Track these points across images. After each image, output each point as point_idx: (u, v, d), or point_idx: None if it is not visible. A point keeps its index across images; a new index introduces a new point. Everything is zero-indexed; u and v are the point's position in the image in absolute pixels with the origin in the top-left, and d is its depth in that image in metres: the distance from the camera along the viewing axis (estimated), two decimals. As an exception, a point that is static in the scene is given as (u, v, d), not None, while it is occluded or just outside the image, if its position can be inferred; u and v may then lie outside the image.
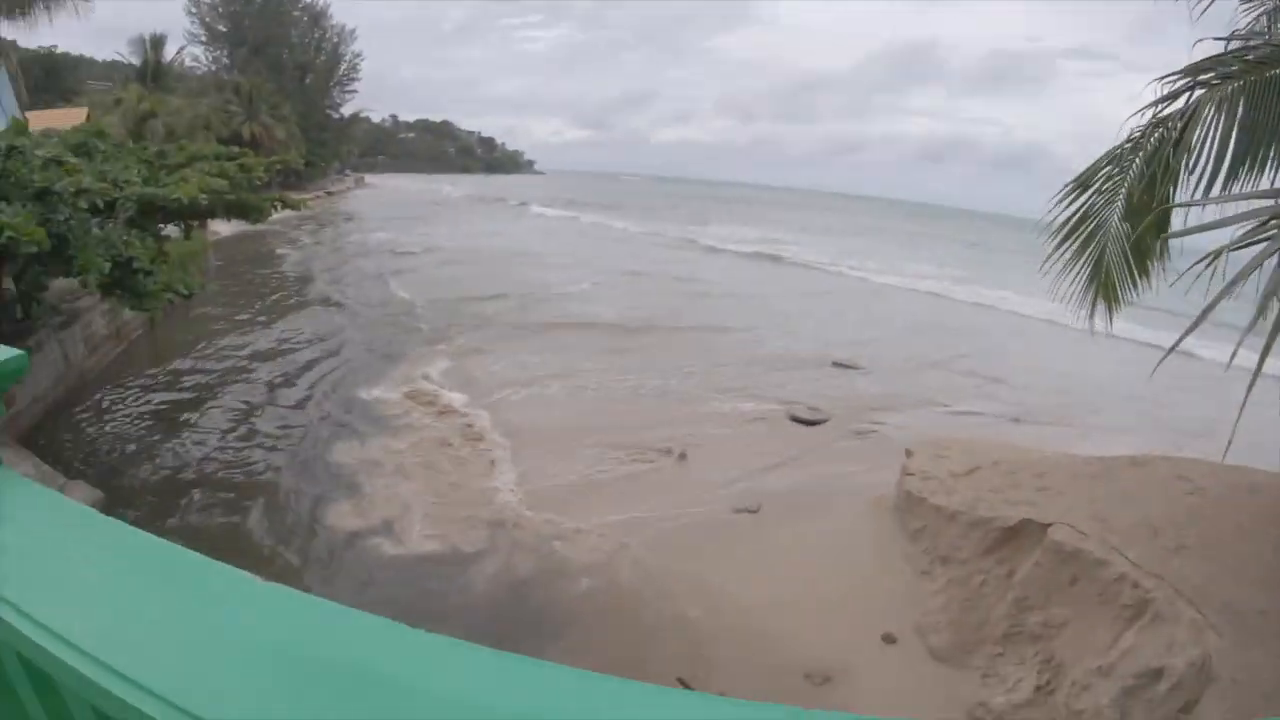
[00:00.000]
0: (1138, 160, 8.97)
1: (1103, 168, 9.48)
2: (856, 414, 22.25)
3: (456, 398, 22.49)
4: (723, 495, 16.81)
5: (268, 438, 18.78)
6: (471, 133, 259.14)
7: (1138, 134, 9.02)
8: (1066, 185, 9.82)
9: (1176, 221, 9.36)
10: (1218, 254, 6.70)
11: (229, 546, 13.61)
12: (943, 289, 49.89)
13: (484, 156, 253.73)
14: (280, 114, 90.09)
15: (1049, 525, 10.59)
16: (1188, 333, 6.74)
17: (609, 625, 12.68)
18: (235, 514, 15.04)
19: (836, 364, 27.84)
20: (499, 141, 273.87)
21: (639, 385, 24.47)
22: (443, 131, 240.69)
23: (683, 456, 18.77)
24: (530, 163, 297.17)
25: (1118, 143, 9.30)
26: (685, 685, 10.13)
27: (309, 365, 24.50)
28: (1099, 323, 11.29)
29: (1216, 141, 7.75)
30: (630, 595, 13.45)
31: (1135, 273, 10.10)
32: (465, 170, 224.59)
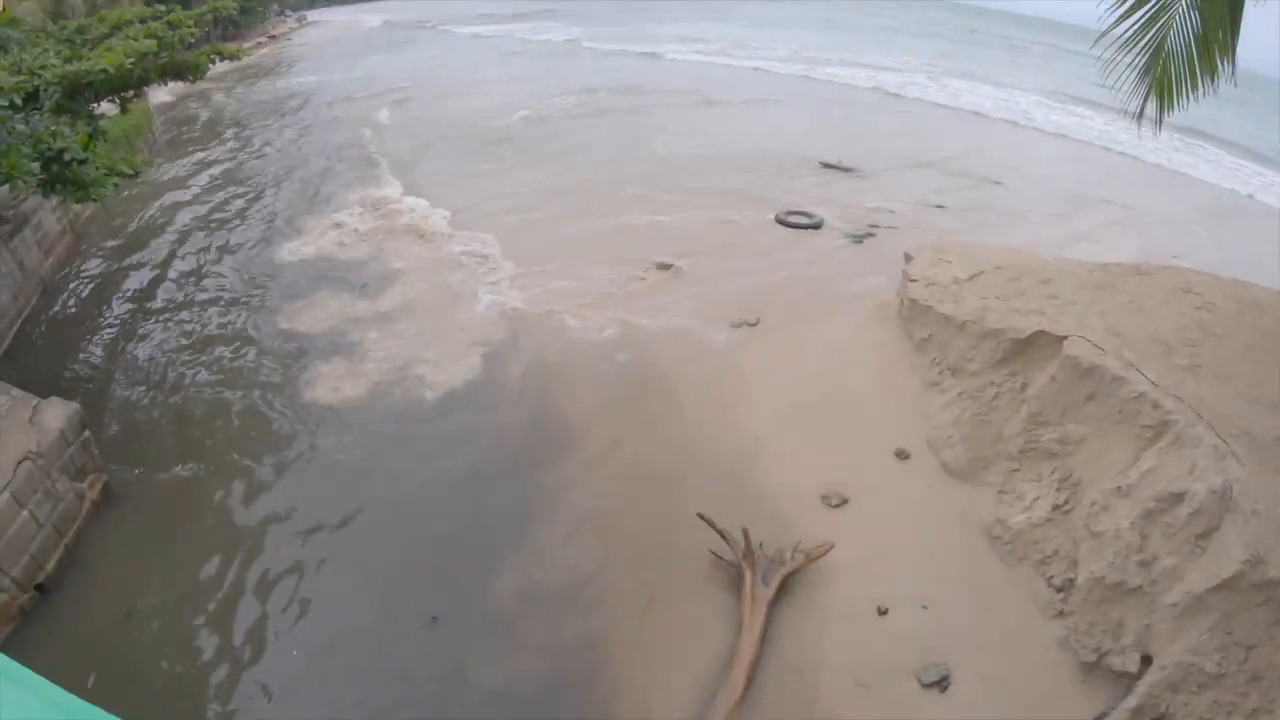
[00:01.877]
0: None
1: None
2: (849, 216, 21.93)
3: (436, 221, 22.27)
4: (719, 308, 16.72)
5: (233, 315, 17.75)
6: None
7: None
8: None
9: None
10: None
11: (224, 459, 12.93)
12: (903, 84, 49.47)
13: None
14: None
15: (1064, 338, 10.53)
16: None
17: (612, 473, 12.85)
18: (217, 417, 14.08)
19: (825, 164, 27.19)
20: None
21: (620, 198, 23.88)
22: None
23: (675, 269, 18.56)
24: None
25: None
26: (707, 521, 10.35)
27: (263, 219, 23.63)
28: (1146, 124, 10.49)
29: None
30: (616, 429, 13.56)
31: (1198, 70, 9.32)
32: None
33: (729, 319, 16.20)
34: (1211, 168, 37.48)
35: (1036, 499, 9.69)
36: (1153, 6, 9.17)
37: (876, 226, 21.23)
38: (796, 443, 12.25)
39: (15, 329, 17.25)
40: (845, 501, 10.94)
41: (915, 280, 14.19)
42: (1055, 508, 9.36)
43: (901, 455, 11.62)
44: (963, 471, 10.93)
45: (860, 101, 42.99)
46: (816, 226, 21.09)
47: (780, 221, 21.39)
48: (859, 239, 20.35)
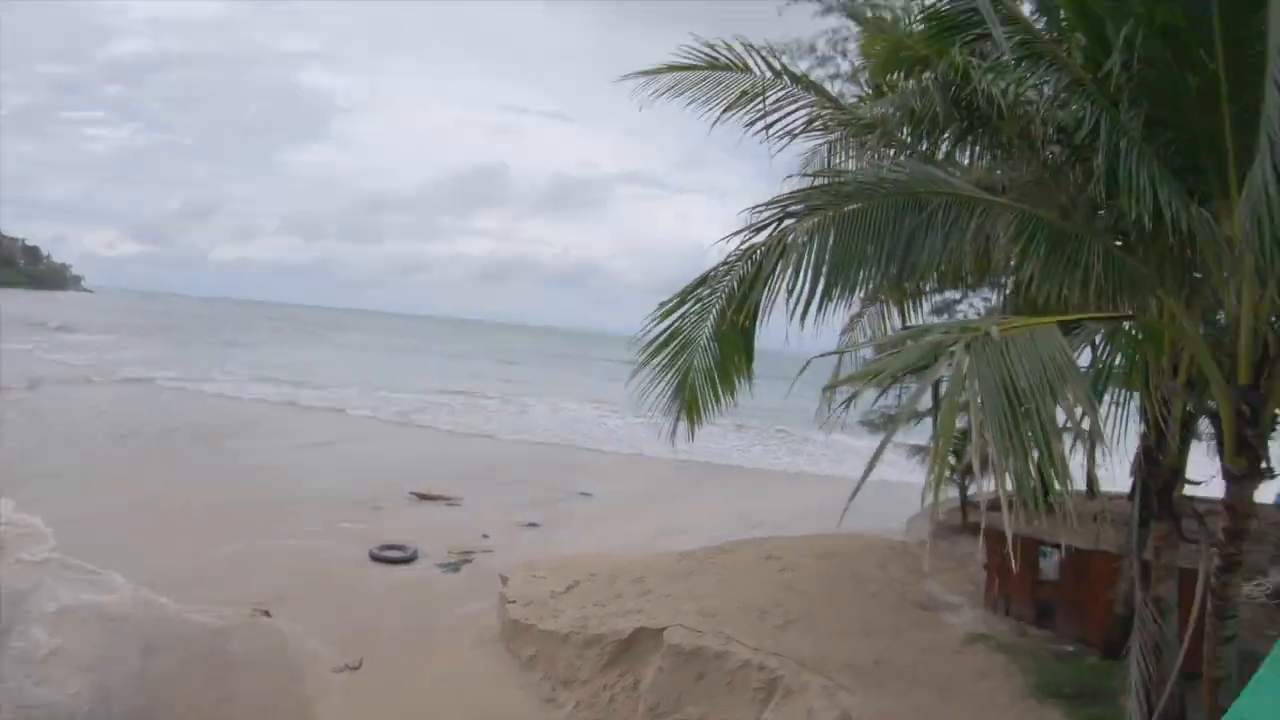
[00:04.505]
0: (728, 281, 9.50)
1: (695, 289, 9.97)
2: (444, 544, 21.78)
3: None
4: (316, 655, 15.33)
5: None
6: (15, 240, 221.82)
7: (734, 258, 9.52)
8: (661, 304, 10.12)
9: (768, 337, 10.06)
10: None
11: None
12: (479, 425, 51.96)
13: (27, 269, 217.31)
14: None
15: (663, 629, 11.00)
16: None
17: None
18: None
19: (416, 494, 27.30)
20: (45, 253, 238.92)
21: (196, 539, 21.61)
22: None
23: (266, 614, 16.94)
24: (78, 278, 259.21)
25: (711, 266, 9.77)
26: None
27: None
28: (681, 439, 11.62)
29: (809, 267, 8.30)
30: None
31: (720, 391, 10.58)
32: (5, 284, 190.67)
33: (330, 664, 14.87)
34: (764, 449, 44.43)
35: (672, 788, 9.55)
36: (674, 347, 10.37)
37: (471, 552, 21.22)
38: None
39: None
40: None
41: (513, 601, 14.38)
42: (688, 790, 9.26)
43: (525, 778, 11.00)
44: (590, 782, 10.56)
45: (440, 429, 44.93)
46: (411, 559, 20.63)
47: (375, 557, 20.64)
48: (455, 567, 20.18)
